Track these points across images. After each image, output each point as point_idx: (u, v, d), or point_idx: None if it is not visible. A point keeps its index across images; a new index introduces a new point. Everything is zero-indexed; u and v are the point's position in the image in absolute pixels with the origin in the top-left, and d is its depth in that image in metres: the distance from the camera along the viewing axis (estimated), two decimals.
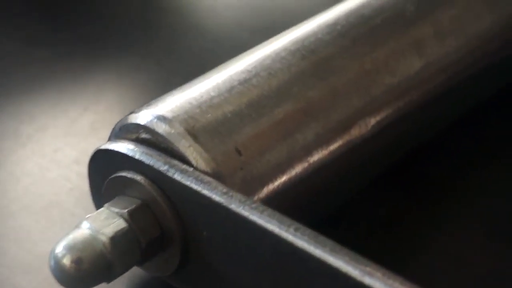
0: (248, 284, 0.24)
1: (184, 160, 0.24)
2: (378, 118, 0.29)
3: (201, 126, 0.25)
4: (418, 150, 0.33)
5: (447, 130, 0.34)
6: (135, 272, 0.27)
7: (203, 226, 0.24)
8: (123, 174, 0.24)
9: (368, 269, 0.20)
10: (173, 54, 0.42)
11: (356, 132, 0.28)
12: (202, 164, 0.24)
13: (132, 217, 0.24)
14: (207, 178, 0.23)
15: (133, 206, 0.24)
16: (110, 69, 0.42)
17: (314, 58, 0.28)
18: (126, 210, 0.24)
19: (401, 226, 0.31)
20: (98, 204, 0.25)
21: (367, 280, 0.20)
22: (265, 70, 0.27)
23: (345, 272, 0.20)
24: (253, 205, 0.22)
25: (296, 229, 0.21)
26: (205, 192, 0.23)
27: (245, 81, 0.27)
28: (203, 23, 0.49)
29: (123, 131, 0.25)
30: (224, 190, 0.23)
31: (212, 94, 0.26)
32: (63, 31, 0.46)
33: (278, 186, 0.26)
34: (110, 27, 0.47)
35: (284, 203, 0.25)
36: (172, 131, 0.24)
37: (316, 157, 0.27)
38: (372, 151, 0.29)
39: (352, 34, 0.30)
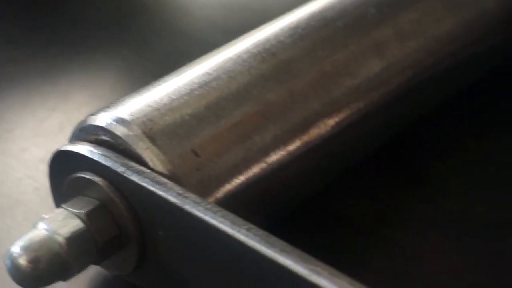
0: (203, 284, 0.25)
1: (141, 162, 0.24)
2: (337, 119, 0.29)
3: (159, 128, 0.25)
4: (379, 150, 0.33)
5: (408, 130, 0.34)
6: (97, 270, 0.28)
7: (159, 226, 0.24)
8: (82, 175, 0.25)
9: (316, 268, 0.21)
10: (145, 54, 0.43)
11: (315, 133, 0.28)
12: (158, 166, 0.24)
13: (89, 217, 0.24)
14: (163, 179, 0.24)
15: (91, 207, 0.24)
16: (80, 69, 0.43)
17: (274, 60, 0.29)
18: (83, 211, 0.24)
19: (359, 224, 0.31)
20: (59, 204, 0.26)
21: (314, 278, 0.20)
22: (226, 73, 0.28)
23: (294, 271, 0.21)
24: (207, 206, 0.23)
25: (248, 229, 0.22)
26: (160, 193, 0.23)
27: (205, 84, 0.27)
28: (175, 23, 0.50)
29: (83, 132, 0.26)
30: (179, 191, 0.23)
31: (172, 97, 0.26)
32: (34, 31, 0.46)
33: (235, 187, 0.26)
34: (81, 27, 0.47)
35: (242, 204, 0.26)
36: (130, 133, 0.25)
37: (274, 158, 0.27)
38: (331, 152, 0.30)
39: (313, 37, 0.30)
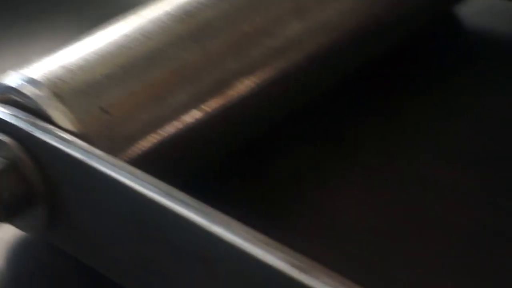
0: (114, 240, 0.25)
1: (50, 121, 0.25)
2: (255, 79, 0.30)
3: (69, 88, 0.26)
4: (299, 109, 0.34)
5: (329, 91, 0.35)
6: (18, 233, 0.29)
7: (67, 183, 0.25)
8: None
9: (216, 219, 0.22)
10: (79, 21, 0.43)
11: (232, 93, 0.29)
12: (67, 124, 0.25)
13: None
14: (69, 137, 0.24)
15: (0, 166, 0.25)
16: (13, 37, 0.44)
17: (193, 21, 0.29)
18: None
19: (277, 181, 0.32)
20: None
21: (214, 228, 0.21)
22: (143, 34, 0.28)
23: (193, 221, 0.22)
24: (113, 161, 0.24)
25: (152, 184, 0.23)
26: (66, 149, 0.24)
27: (121, 45, 0.28)
28: None
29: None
30: (85, 147, 0.24)
31: (86, 57, 0.27)
32: None
33: (149, 145, 0.27)
34: None
35: (156, 162, 0.27)
36: (39, 93, 0.25)
37: (190, 118, 0.28)
38: (249, 111, 0.30)
39: (228, 8, 0.31)
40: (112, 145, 0.26)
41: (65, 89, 0.26)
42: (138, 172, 0.23)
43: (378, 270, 0.29)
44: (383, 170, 0.33)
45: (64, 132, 0.25)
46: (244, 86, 0.30)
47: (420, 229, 0.31)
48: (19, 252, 0.30)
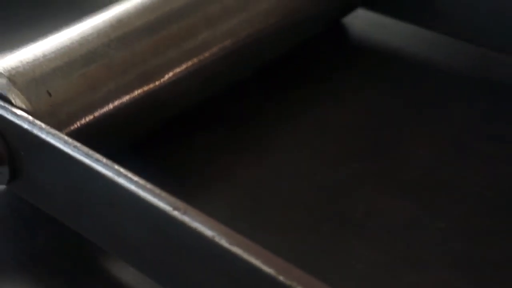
0: (54, 190, 0.28)
1: (8, 100, 0.28)
2: (171, 73, 0.32)
3: (23, 77, 0.28)
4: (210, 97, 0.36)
5: (235, 84, 0.37)
6: None
7: (20, 148, 0.27)
8: None
9: (127, 174, 0.24)
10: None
11: (153, 83, 0.31)
12: (19, 103, 0.27)
13: None
14: (19, 112, 0.27)
15: None
16: None
17: (122, 27, 0.31)
18: None
19: (203, 153, 0.34)
20: None
21: (121, 180, 0.24)
22: (84, 37, 0.30)
23: (103, 174, 0.24)
24: (50, 130, 0.26)
25: (75, 146, 0.25)
26: (16, 121, 0.27)
27: (66, 45, 0.30)
28: None
29: None
30: (30, 120, 0.26)
31: (38, 55, 0.29)
32: None
33: (84, 121, 0.29)
34: None
35: (91, 135, 0.29)
36: (1, 80, 0.28)
37: (117, 101, 0.30)
38: (168, 97, 0.32)
39: (158, 11, 0.32)
40: (54, 120, 0.28)
41: (19, 78, 0.28)
42: (69, 139, 0.25)
43: (256, 218, 0.31)
44: (300, 140, 0.35)
45: (18, 110, 0.27)
46: (162, 78, 0.31)
47: (313, 191, 0.32)
48: None
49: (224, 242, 0.22)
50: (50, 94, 0.28)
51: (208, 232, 0.22)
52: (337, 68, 0.40)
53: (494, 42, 0.38)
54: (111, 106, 0.30)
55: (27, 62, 0.29)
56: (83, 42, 0.30)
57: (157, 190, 0.23)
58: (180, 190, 0.25)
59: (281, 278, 0.21)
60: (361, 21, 0.43)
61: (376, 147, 0.34)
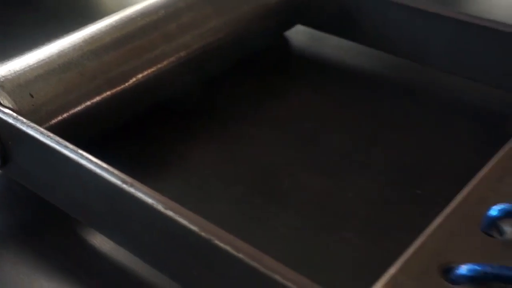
0: (40, 176, 0.29)
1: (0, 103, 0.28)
2: (134, 79, 0.33)
3: (9, 82, 0.29)
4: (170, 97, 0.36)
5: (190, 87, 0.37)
6: None
7: (9, 140, 0.28)
8: None
9: (88, 157, 0.25)
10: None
11: (120, 86, 0.32)
12: (6, 103, 0.29)
13: None
14: (7, 110, 0.28)
15: None
16: None
17: (94, 42, 0.32)
18: None
19: (158, 140, 0.34)
20: None
21: (83, 161, 0.25)
22: (61, 50, 0.31)
23: (73, 159, 0.26)
24: (33, 126, 0.27)
25: (49, 137, 0.26)
26: (5, 118, 0.28)
27: (46, 57, 0.31)
28: None
29: None
30: (14, 116, 0.27)
31: (24, 65, 0.30)
32: None
33: (60, 118, 0.30)
34: None
35: (66, 130, 0.30)
36: None
37: (89, 102, 0.31)
38: (130, 97, 0.33)
39: (125, 29, 0.33)
40: (36, 117, 0.29)
41: (7, 83, 0.29)
42: (45, 131, 0.26)
43: (202, 193, 0.31)
44: (226, 135, 0.35)
45: (6, 109, 0.28)
46: (126, 83, 0.32)
47: (251, 172, 0.32)
48: None
49: (160, 207, 0.23)
50: (32, 96, 0.29)
51: (148, 200, 0.24)
52: (279, 73, 0.40)
53: (406, 52, 0.39)
54: (83, 105, 0.31)
55: (15, 71, 0.30)
56: (61, 54, 0.31)
57: (111, 169, 0.25)
58: (142, 172, 0.28)
59: (203, 234, 0.22)
60: (301, 35, 0.44)
61: (306, 136, 0.35)
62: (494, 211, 0.25)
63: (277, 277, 0.21)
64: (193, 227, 0.23)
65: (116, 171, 0.25)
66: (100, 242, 0.29)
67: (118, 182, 0.24)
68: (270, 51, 0.42)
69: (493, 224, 0.25)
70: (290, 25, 0.42)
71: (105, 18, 0.34)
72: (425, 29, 0.37)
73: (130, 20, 0.34)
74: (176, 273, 0.25)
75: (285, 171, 0.33)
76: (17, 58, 0.31)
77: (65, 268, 0.28)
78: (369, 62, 0.41)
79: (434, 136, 0.35)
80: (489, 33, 0.35)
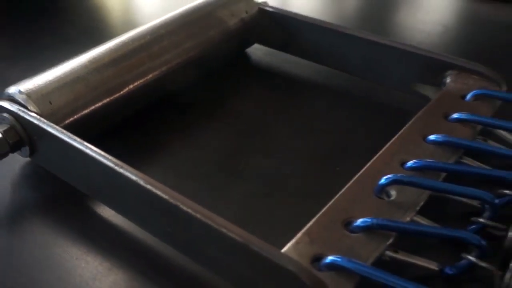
0: (58, 162, 0.30)
1: (26, 107, 0.30)
2: (126, 89, 0.34)
3: (34, 93, 0.31)
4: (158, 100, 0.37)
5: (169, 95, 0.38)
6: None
7: (34, 135, 0.30)
8: (4, 114, 0.30)
9: (91, 147, 0.27)
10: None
11: (116, 95, 0.34)
12: (32, 109, 0.30)
13: (4, 132, 0.30)
14: (34, 114, 0.30)
15: (5, 127, 0.30)
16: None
17: (96, 62, 0.33)
18: (1, 129, 0.30)
19: (141, 131, 0.35)
20: None
21: (87, 151, 0.27)
22: (72, 69, 0.33)
23: (81, 149, 0.28)
24: (50, 124, 0.29)
25: (62, 132, 0.28)
26: (30, 119, 0.29)
27: (62, 74, 0.32)
28: None
29: (6, 95, 0.31)
30: (38, 118, 0.29)
31: (45, 79, 0.31)
32: None
33: (72, 119, 0.32)
34: None
35: (76, 127, 0.31)
36: (23, 96, 0.30)
37: (93, 107, 0.32)
38: (125, 102, 0.34)
39: (119, 51, 0.34)
40: (53, 118, 0.30)
41: (33, 94, 0.31)
42: (62, 130, 0.28)
43: (178, 171, 0.32)
44: (198, 128, 0.36)
45: (32, 113, 0.30)
46: (121, 92, 0.34)
47: (216, 155, 0.33)
48: (23, 167, 0.33)
49: (141, 182, 0.26)
50: (51, 103, 0.31)
51: (132, 176, 0.26)
52: (240, 81, 0.41)
53: (334, 63, 0.41)
54: (89, 109, 0.32)
55: (38, 85, 0.31)
56: (72, 71, 0.33)
57: (107, 155, 0.27)
58: (133, 158, 0.29)
59: (172, 201, 0.25)
60: (258, 51, 0.44)
61: (257, 127, 0.36)
62: (383, 180, 0.28)
63: (223, 230, 0.24)
64: (165, 196, 0.25)
65: (110, 157, 0.27)
66: (102, 210, 0.30)
67: (112, 165, 0.27)
68: (235, 64, 0.43)
69: (383, 190, 0.28)
70: (249, 44, 0.44)
71: (105, 43, 0.35)
72: (347, 46, 0.40)
73: (123, 44, 0.35)
74: (155, 230, 0.28)
75: (241, 154, 0.34)
76: (40, 74, 0.32)
77: (76, 228, 0.29)
78: (306, 71, 0.42)
79: (351, 127, 0.37)
80: (391, 49, 0.38)
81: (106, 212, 0.30)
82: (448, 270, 0.27)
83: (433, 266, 0.26)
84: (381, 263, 0.24)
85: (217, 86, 0.40)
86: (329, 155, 0.34)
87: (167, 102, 0.38)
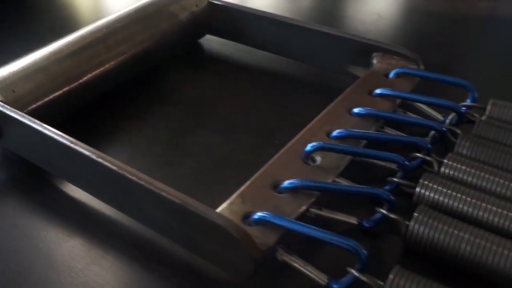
0: (23, 145, 0.31)
1: None
2: (85, 78, 0.36)
3: (1, 82, 0.32)
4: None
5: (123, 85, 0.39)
6: None
7: (2, 123, 0.31)
8: None
9: (51, 128, 0.29)
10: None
11: (75, 83, 0.35)
12: None
13: None
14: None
15: None
16: None
17: (58, 54, 0.35)
18: None
19: (100, 117, 0.37)
20: None
21: (48, 132, 0.29)
22: (35, 59, 0.34)
23: (44, 132, 0.29)
24: (15, 111, 0.30)
25: (24, 117, 0.30)
26: None
27: (26, 65, 0.33)
28: None
29: None
30: (2, 105, 0.31)
31: (11, 70, 0.33)
32: None
33: (34, 106, 0.33)
34: None
35: (41, 113, 0.32)
36: None
37: (53, 95, 0.34)
38: (84, 90, 0.36)
39: (78, 44, 0.36)
40: (17, 105, 0.31)
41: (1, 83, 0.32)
42: (25, 115, 0.30)
43: (134, 148, 0.34)
44: (152, 112, 0.37)
45: None
46: (79, 80, 0.35)
47: (169, 134, 0.35)
48: None
49: (94, 157, 0.28)
50: (14, 91, 0.32)
51: (85, 152, 0.28)
52: (192, 68, 0.43)
53: (276, 49, 0.43)
54: (50, 97, 0.34)
55: (2, 75, 0.33)
56: (34, 63, 0.34)
57: (64, 135, 0.29)
58: (95, 139, 0.31)
59: (119, 171, 0.27)
60: (210, 41, 0.46)
61: (205, 108, 0.38)
62: (309, 147, 0.30)
63: (163, 194, 0.26)
64: (113, 167, 0.27)
65: (66, 136, 0.29)
66: (64, 185, 0.32)
67: (67, 143, 0.28)
68: (188, 53, 0.44)
69: (309, 156, 0.31)
70: (200, 35, 0.46)
71: (65, 36, 0.37)
72: (288, 34, 0.42)
73: (82, 37, 0.37)
74: (109, 199, 0.30)
75: (189, 133, 0.36)
76: (4, 66, 0.34)
77: (40, 202, 0.31)
78: (254, 58, 0.44)
79: (290, 105, 0.39)
80: (326, 36, 0.40)
81: (68, 187, 0.32)
82: (365, 223, 0.29)
83: (353, 220, 0.29)
84: (308, 221, 0.26)
85: (170, 73, 0.42)
86: (270, 130, 0.36)
87: (125, 89, 0.39)
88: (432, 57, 0.42)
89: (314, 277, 0.26)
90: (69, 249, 0.28)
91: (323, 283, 0.25)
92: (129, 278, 0.27)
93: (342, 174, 0.30)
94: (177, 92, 0.40)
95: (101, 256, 0.28)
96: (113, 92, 0.38)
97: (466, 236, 0.26)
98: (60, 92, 0.34)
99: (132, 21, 0.39)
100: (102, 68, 0.37)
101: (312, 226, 0.25)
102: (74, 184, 0.31)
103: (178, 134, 0.36)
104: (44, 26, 0.48)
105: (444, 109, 0.35)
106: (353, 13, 0.52)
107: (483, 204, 0.28)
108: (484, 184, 0.30)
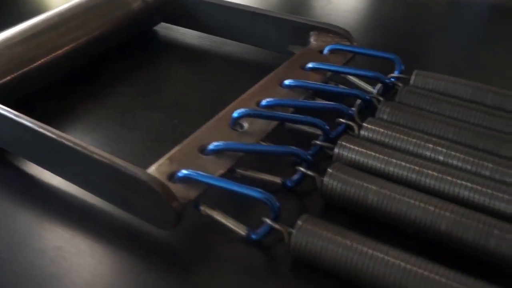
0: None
1: None
2: (39, 61, 0.37)
3: None
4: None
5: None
6: None
7: None
8: None
9: (13, 112, 0.31)
10: None
11: (31, 66, 0.37)
12: None
13: None
14: None
15: None
16: None
17: (15, 39, 0.36)
18: None
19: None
20: None
21: (10, 115, 0.30)
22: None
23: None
24: None
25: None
26: None
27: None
28: None
29: None
30: None
31: None
32: None
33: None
34: None
35: (7, 95, 0.34)
36: None
37: (10, 76, 0.35)
38: (38, 74, 0.37)
39: (32, 30, 0.37)
40: None
41: None
42: None
43: (95, 130, 0.35)
44: (113, 95, 0.39)
45: None
46: (34, 63, 0.37)
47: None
48: None
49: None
50: None
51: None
52: (147, 54, 0.44)
53: (224, 33, 0.45)
54: (9, 78, 0.35)
55: None
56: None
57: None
58: (50, 118, 0.32)
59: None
60: (165, 29, 0.48)
61: (154, 88, 0.40)
62: (235, 113, 0.33)
63: (95, 156, 0.28)
64: (52, 135, 0.29)
65: (11, 110, 0.30)
66: (29, 165, 0.33)
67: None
68: (143, 39, 0.45)
69: (236, 122, 0.33)
70: (154, 23, 0.47)
71: (22, 23, 0.38)
72: (235, 18, 0.44)
73: (36, 24, 0.39)
74: (56, 169, 0.31)
75: (137, 111, 0.38)
76: None
77: (9, 184, 0.32)
78: (204, 42, 0.46)
79: (231, 83, 0.41)
80: (268, 18, 0.42)
81: (35, 169, 0.33)
82: (288, 183, 0.31)
83: (277, 180, 0.31)
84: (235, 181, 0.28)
85: (124, 58, 0.43)
86: (213, 107, 0.36)
87: (81, 73, 0.40)
88: (378, 38, 0.44)
89: (235, 229, 0.27)
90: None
91: (243, 233, 0.27)
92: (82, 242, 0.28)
93: (273, 142, 0.31)
94: (131, 76, 0.41)
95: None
96: (72, 75, 0.40)
97: (373, 187, 0.28)
98: (13, 75, 0.36)
99: (84, 9, 0.41)
100: (54, 54, 0.38)
101: (231, 181, 0.27)
102: (24, 158, 0.33)
103: (127, 111, 0.37)
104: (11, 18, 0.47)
105: (374, 82, 0.37)
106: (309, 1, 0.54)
107: (393, 160, 0.30)
108: (399, 144, 0.32)
